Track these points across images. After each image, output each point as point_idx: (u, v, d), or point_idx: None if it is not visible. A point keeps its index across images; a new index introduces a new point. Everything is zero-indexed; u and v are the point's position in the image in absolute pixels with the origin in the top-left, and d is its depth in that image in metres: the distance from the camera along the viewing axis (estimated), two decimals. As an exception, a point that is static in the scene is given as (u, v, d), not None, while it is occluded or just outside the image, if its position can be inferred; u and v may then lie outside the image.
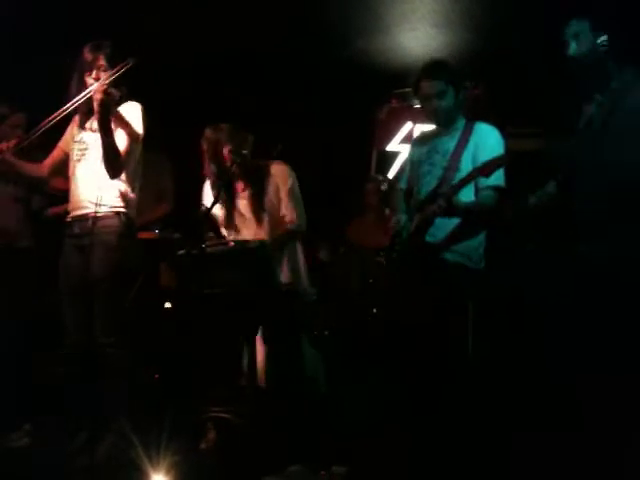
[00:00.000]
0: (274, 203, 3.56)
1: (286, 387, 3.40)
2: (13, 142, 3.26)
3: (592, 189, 2.60)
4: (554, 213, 2.70)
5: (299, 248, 3.60)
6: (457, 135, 3.07)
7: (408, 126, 5.84)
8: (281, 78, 5.21)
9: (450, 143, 3.08)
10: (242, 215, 3.60)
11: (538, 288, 2.78)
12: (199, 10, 4.07)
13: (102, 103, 2.96)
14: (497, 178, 2.92)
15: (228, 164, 3.47)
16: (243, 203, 3.59)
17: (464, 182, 2.86)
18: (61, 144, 3.36)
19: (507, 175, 3.00)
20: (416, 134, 5.40)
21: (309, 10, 4.33)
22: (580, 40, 2.68)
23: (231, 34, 4.53)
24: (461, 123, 3.11)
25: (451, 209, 2.89)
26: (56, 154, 3.36)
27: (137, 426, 2.92)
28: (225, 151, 3.49)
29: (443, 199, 2.86)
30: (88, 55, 3.13)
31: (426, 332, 2.92)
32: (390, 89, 5.71)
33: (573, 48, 2.70)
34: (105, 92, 2.95)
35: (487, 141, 3.02)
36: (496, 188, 2.97)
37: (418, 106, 5.14)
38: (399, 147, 5.87)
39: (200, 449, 3.17)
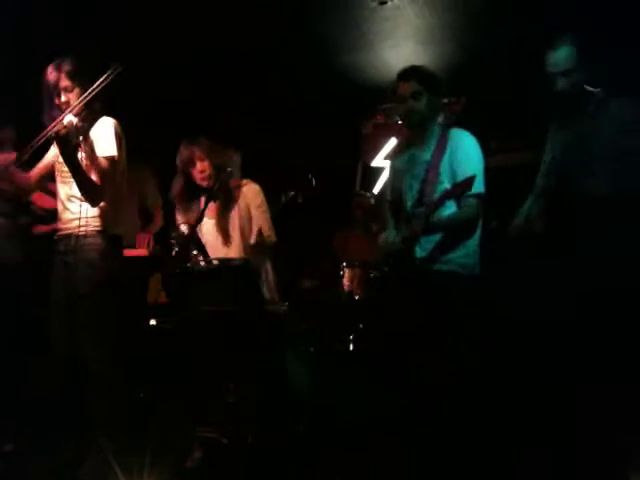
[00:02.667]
0: (245, 222, 3.51)
1: (273, 403, 3.39)
2: (13, 155, 3.22)
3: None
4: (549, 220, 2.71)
5: (269, 263, 3.59)
6: (433, 144, 3.11)
7: (393, 142, 5.86)
8: (264, 94, 5.22)
9: (427, 153, 3.12)
10: (207, 235, 3.53)
11: (534, 294, 2.80)
12: (195, 19, 4.05)
13: (61, 140, 2.90)
14: (477, 186, 2.93)
15: (207, 182, 3.41)
16: (210, 223, 3.51)
17: (438, 203, 2.90)
18: (49, 157, 3.31)
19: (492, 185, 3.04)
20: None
21: (292, 27, 4.34)
22: (569, 76, 2.74)
23: (215, 47, 4.53)
24: (436, 131, 3.15)
25: (429, 228, 2.94)
26: (43, 166, 3.31)
27: (123, 444, 2.90)
28: (202, 167, 3.41)
29: (421, 220, 2.91)
30: (50, 77, 3.04)
31: (422, 345, 2.93)
32: (375, 105, 5.74)
33: (562, 84, 2.76)
34: (63, 130, 2.88)
35: (461, 150, 3.05)
36: (477, 196, 2.99)
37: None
38: (384, 163, 5.89)
39: (186, 468, 3.14)
